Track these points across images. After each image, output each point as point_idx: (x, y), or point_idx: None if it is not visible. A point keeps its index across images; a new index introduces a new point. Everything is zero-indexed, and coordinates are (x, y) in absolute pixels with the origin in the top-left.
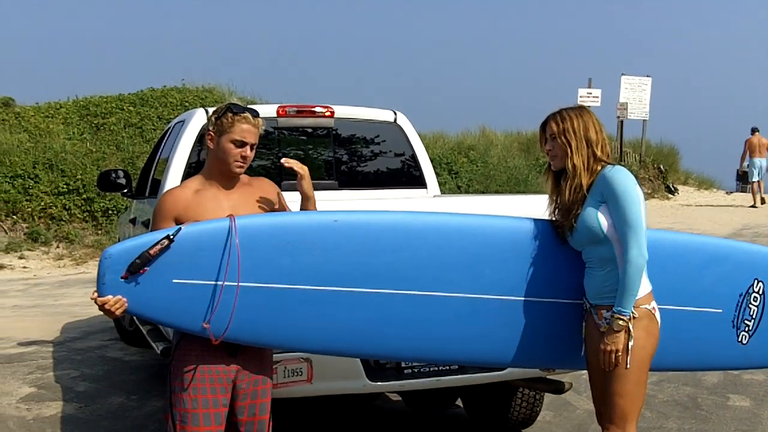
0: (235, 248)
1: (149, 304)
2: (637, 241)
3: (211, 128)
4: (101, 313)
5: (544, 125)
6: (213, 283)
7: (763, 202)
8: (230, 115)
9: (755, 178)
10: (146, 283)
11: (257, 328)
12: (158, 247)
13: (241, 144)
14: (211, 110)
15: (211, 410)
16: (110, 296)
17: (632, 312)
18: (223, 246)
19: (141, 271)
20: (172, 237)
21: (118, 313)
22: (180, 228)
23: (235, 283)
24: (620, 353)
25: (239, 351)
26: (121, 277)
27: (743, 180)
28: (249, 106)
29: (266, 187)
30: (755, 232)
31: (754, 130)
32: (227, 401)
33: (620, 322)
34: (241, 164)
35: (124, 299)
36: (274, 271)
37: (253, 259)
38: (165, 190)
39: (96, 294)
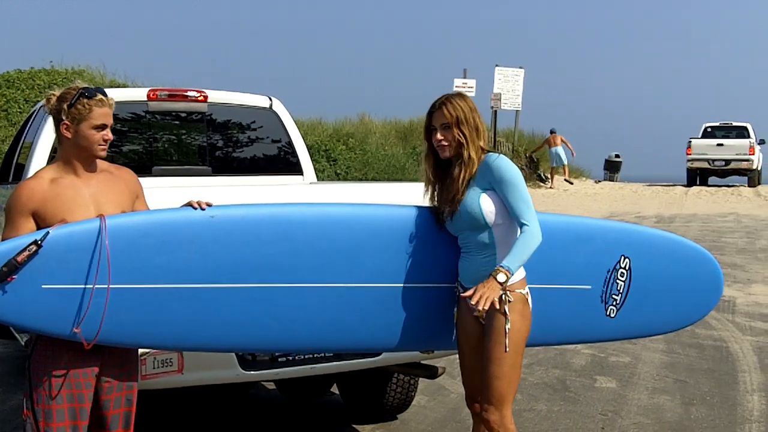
0: (105, 250)
1: (18, 312)
2: (534, 216)
3: (65, 118)
4: None
5: (432, 113)
6: (83, 286)
7: (551, 186)
8: (85, 100)
9: (554, 164)
10: (14, 291)
11: (131, 330)
12: (26, 253)
13: (103, 127)
14: (54, 95)
15: (76, 405)
16: None
17: (508, 295)
18: (94, 247)
19: (8, 280)
20: (39, 242)
21: None
22: (48, 232)
23: (106, 286)
24: (489, 300)
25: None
26: None
27: (611, 169)
28: (96, 87)
29: (127, 177)
30: (622, 220)
31: (552, 131)
32: (91, 396)
33: (502, 275)
34: (105, 147)
35: None
36: (148, 270)
37: (126, 260)
38: (27, 177)
39: None
